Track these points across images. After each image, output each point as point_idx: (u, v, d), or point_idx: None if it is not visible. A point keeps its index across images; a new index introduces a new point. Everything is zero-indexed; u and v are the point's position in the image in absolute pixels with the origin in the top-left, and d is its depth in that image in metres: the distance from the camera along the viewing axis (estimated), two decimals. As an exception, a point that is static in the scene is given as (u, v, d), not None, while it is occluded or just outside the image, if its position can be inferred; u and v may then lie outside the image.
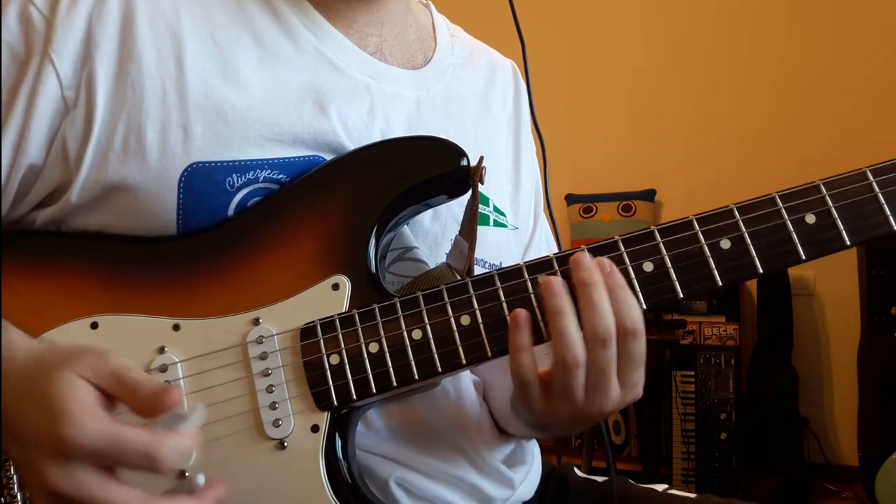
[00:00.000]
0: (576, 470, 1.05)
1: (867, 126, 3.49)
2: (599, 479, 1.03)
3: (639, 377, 0.72)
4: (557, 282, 0.69)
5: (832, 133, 3.55)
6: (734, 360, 3.23)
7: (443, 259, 0.85)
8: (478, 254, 0.80)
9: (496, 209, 0.93)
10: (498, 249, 0.91)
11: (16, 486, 0.71)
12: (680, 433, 3.25)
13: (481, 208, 0.84)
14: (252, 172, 0.76)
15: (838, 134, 3.53)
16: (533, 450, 0.98)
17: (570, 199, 3.89)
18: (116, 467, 0.60)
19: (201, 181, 0.74)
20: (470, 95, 0.96)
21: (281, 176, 0.77)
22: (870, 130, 3.47)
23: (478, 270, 0.78)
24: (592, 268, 0.69)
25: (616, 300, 0.69)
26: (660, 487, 1.00)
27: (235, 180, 0.75)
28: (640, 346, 0.70)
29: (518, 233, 0.96)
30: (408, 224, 0.84)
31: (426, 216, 0.85)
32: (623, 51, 3.94)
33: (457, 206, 0.84)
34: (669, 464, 3.27)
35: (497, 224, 0.93)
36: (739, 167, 3.68)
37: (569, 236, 3.83)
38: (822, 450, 3.46)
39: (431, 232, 0.86)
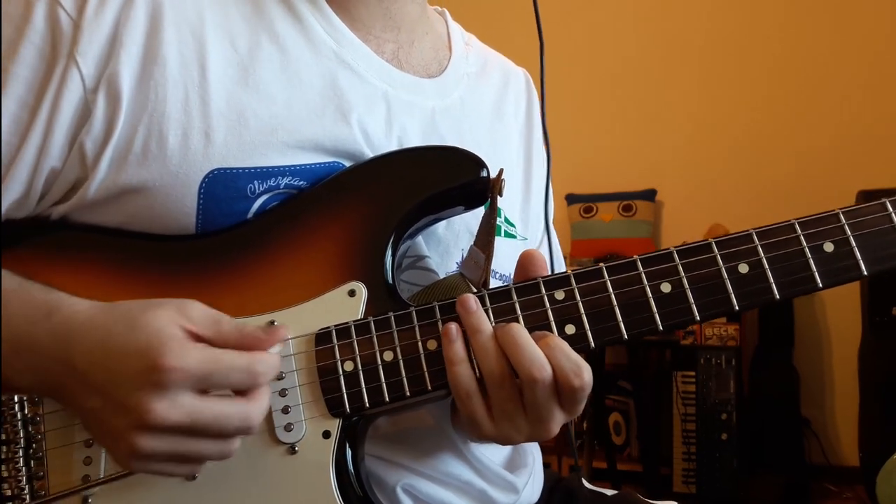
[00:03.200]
0: (584, 482, 1.04)
1: (868, 121, 3.49)
2: (608, 492, 1.02)
3: (547, 414, 0.71)
4: (453, 329, 0.71)
5: (833, 131, 3.55)
6: (735, 361, 3.24)
7: (453, 268, 0.86)
8: (491, 264, 0.80)
9: (507, 220, 0.93)
10: (508, 260, 0.90)
11: (24, 478, 0.71)
12: (681, 434, 3.25)
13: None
14: (273, 179, 0.76)
15: (839, 131, 3.54)
16: (533, 452, 0.98)
17: (571, 198, 3.89)
18: (213, 390, 0.63)
19: (222, 187, 0.74)
20: (483, 105, 0.96)
21: (301, 183, 0.77)
22: (870, 125, 3.48)
23: (490, 281, 0.78)
24: (478, 313, 0.71)
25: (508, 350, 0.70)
26: None
27: (256, 187, 0.75)
28: (535, 393, 0.70)
29: (527, 244, 0.96)
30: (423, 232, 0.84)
31: (439, 224, 0.85)
32: (623, 50, 3.94)
33: (469, 216, 0.84)
34: (670, 464, 3.28)
35: (508, 235, 0.93)
36: (740, 165, 3.69)
37: (569, 236, 3.83)
38: (823, 450, 3.46)
39: (444, 240, 0.86)
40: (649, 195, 3.82)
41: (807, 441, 3.42)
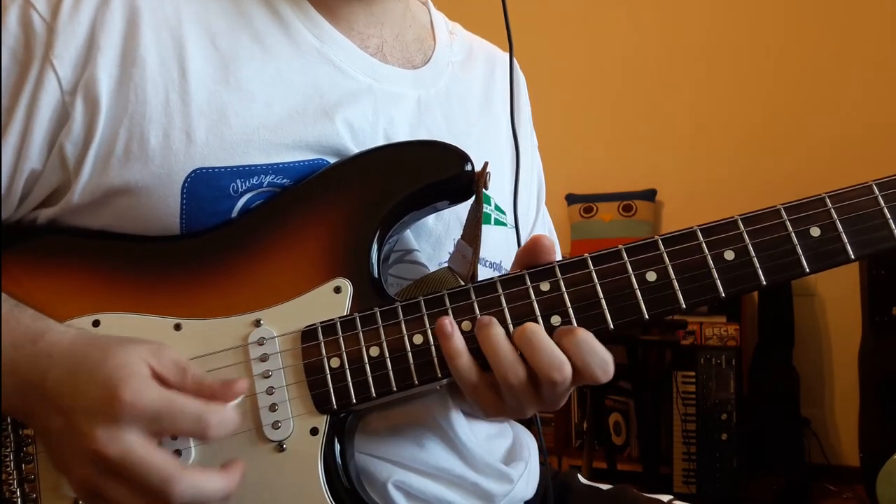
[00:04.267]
0: (579, 477, 1.04)
1: (867, 121, 3.49)
2: (604, 486, 1.02)
3: (562, 398, 0.73)
4: (447, 323, 0.70)
5: (832, 130, 3.55)
6: (735, 361, 3.24)
7: (445, 259, 0.85)
8: (481, 252, 0.80)
9: (497, 207, 0.93)
10: (498, 248, 0.90)
11: (15, 482, 0.71)
12: (681, 434, 3.25)
13: (483, 207, 0.84)
14: (256, 178, 0.76)
15: (839, 131, 3.54)
16: (529, 446, 0.97)
17: (571, 198, 3.90)
18: (163, 435, 0.65)
19: (205, 186, 0.74)
20: (470, 93, 0.96)
21: (285, 181, 0.77)
22: (870, 125, 3.48)
23: (480, 270, 0.78)
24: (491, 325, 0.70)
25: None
26: (665, 498, 0.99)
27: (239, 185, 0.75)
28: (555, 390, 0.70)
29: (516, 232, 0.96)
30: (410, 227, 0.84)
31: (429, 216, 0.85)
32: (623, 50, 3.94)
33: (460, 206, 0.83)
34: (670, 464, 3.28)
35: (498, 223, 0.92)
36: (740, 165, 3.69)
37: (569, 236, 3.83)
38: (823, 450, 3.46)
39: (434, 231, 0.86)
40: (649, 195, 3.82)
41: (807, 441, 3.42)
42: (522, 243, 0.94)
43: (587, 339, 0.69)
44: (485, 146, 0.88)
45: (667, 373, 3.35)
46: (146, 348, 0.66)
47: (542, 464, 0.98)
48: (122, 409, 0.62)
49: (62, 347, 0.67)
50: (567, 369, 0.68)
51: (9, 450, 0.72)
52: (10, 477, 0.71)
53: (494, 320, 0.70)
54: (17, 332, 0.68)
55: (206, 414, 0.64)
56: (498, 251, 0.90)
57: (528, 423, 1.03)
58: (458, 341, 0.70)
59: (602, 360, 0.69)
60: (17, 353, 0.67)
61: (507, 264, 0.92)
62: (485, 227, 0.83)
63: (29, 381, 0.66)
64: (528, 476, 0.94)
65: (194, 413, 0.64)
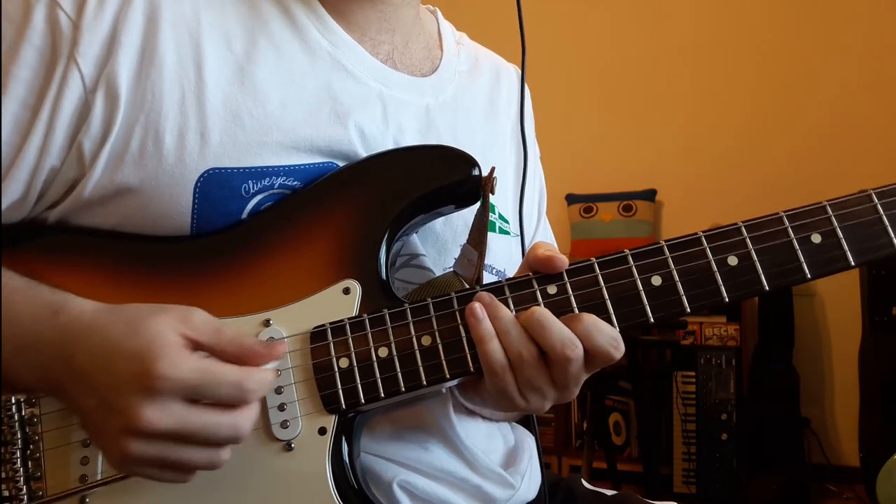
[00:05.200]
0: (584, 482, 1.05)
1: (869, 117, 3.49)
2: (608, 492, 1.03)
3: (576, 383, 0.75)
4: (477, 308, 0.72)
5: (832, 130, 3.55)
6: (735, 361, 3.24)
7: (450, 264, 0.86)
8: (486, 259, 0.81)
9: (501, 217, 0.94)
10: (502, 256, 0.91)
11: (21, 479, 0.71)
12: (681, 434, 3.25)
13: (489, 214, 0.85)
14: (268, 179, 0.76)
15: (838, 129, 3.54)
16: (530, 448, 0.98)
17: (571, 198, 3.90)
18: (204, 401, 0.64)
19: (217, 187, 0.75)
20: (476, 102, 0.97)
21: (296, 183, 0.78)
22: (871, 120, 3.48)
23: (485, 276, 0.79)
24: (494, 302, 0.73)
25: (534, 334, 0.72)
26: None
27: (251, 186, 0.76)
28: (568, 370, 0.72)
29: (519, 241, 0.96)
30: (417, 230, 0.85)
31: (437, 221, 0.86)
32: (623, 50, 3.95)
33: (467, 212, 0.84)
34: (670, 464, 3.28)
35: (502, 231, 0.93)
36: (740, 165, 3.69)
37: (569, 236, 3.83)
38: (823, 450, 3.46)
39: (441, 236, 0.87)
40: (649, 195, 3.82)
41: (807, 441, 3.42)
42: (526, 249, 0.95)
43: (592, 321, 0.71)
44: (489, 155, 0.89)
45: (667, 373, 3.35)
46: (174, 315, 0.65)
47: (543, 465, 0.98)
48: (160, 383, 0.61)
49: (86, 320, 0.67)
50: (579, 346, 0.70)
51: (16, 447, 0.72)
52: (17, 474, 0.72)
53: (495, 298, 0.73)
54: (36, 306, 0.68)
55: (245, 380, 0.64)
56: (501, 259, 0.91)
57: (527, 424, 1.03)
58: (489, 325, 0.71)
59: (610, 338, 0.71)
60: (40, 327, 0.67)
61: (511, 273, 0.92)
62: (490, 236, 0.84)
63: (55, 355, 0.66)
64: (529, 478, 0.94)
65: (234, 381, 0.64)
